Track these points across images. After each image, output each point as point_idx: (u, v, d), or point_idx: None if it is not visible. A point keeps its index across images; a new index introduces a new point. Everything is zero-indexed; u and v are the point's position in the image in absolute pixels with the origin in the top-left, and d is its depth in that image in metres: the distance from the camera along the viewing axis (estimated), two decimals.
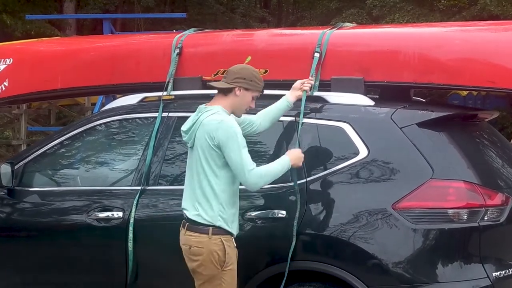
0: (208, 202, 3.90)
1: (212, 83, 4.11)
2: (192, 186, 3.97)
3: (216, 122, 3.87)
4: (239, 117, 4.09)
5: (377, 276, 4.02)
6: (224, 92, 4.01)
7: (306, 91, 4.34)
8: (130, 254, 4.46)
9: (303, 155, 4.07)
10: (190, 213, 3.95)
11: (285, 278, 4.08)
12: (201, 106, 4.03)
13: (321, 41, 4.63)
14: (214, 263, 3.87)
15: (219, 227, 3.89)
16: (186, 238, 3.96)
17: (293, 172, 4.13)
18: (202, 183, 3.91)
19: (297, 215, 4.09)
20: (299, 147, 4.20)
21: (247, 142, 3.94)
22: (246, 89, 4.00)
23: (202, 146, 3.90)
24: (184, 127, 4.05)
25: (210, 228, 3.88)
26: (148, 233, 4.50)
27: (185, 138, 4.05)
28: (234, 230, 3.98)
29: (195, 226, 3.92)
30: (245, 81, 3.99)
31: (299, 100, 4.34)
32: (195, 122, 3.96)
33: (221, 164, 3.89)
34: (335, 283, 4.11)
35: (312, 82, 4.42)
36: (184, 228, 3.99)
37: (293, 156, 4.02)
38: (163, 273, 4.48)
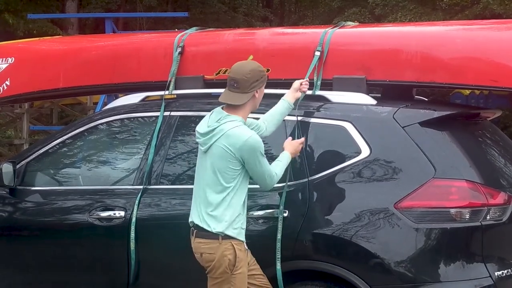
0: (217, 211, 3.89)
1: (231, 102, 3.95)
2: (201, 195, 3.97)
3: (243, 137, 3.85)
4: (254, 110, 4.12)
5: (379, 276, 4.02)
6: None
7: (304, 92, 4.34)
8: (132, 254, 4.46)
9: (301, 144, 4.15)
10: (199, 222, 3.94)
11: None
12: (221, 112, 3.96)
13: (322, 40, 4.62)
14: (225, 267, 3.87)
15: (226, 234, 3.89)
16: (196, 245, 3.97)
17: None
18: (211, 192, 3.91)
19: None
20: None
21: None
22: (261, 86, 4.05)
23: (219, 155, 3.88)
24: (201, 129, 4.00)
25: (220, 235, 3.89)
26: (150, 232, 4.49)
27: (199, 139, 4.01)
28: (243, 237, 3.97)
29: (204, 233, 3.91)
30: (258, 81, 4.00)
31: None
32: (215, 129, 3.91)
33: (233, 175, 3.90)
34: (338, 282, 4.10)
35: (308, 84, 4.39)
36: (193, 235, 3.99)
37: (291, 149, 4.12)
38: (165, 272, 4.48)
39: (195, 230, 3.98)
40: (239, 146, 3.85)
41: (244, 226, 3.99)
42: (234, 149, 3.85)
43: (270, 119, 4.23)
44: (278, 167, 4.02)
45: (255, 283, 4.04)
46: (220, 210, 3.90)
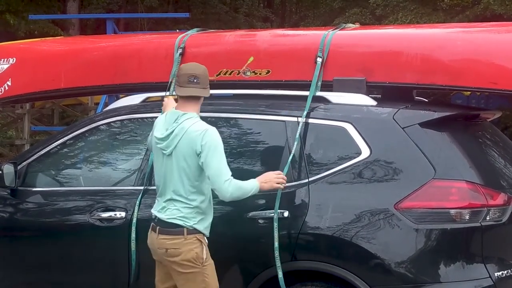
0: (184, 207, 3.97)
1: (198, 94, 4.03)
2: (168, 192, 4.02)
3: (202, 130, 3.93)
4: None
5: (379, 276, 4.02)
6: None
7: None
8: (133, 254, 4.47)
9: (276, 178, 4.06)
10: (164, 216, 4.00)
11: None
12: (176, 112, 4.04)
13: (323, 43, 4.61)
14: (193, 261, 3.93)
15: (194, 228, 3.96)
16: (160, 242, 4.01)
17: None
18: (179, 190, 3.98)
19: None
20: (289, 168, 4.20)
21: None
22: None
23: (184, 154, 3.95)
24: (160, 134, 4.06)
25: (185, 229, 3.95)
26: None
27: (160, 145, 4.05)
28: (207, 232, 4.05)
29: (169, 229, 3.98)
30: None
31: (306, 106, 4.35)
32: (174, 130, 3.98)
33: (201, 172, 3.96)
34: (338, 282, 4.11)
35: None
36: (155, 232, 4.03)
37: (262, 179, 4.02)
38: None
39: (157, 227, 4.01)
40: (200, 140, 3.90)
41: (209, 224, 4.05)
42: (197, 145, 3.90)
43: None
44: (239, 182, 3.91)
45: None
46: (186, 207, 3.96)
